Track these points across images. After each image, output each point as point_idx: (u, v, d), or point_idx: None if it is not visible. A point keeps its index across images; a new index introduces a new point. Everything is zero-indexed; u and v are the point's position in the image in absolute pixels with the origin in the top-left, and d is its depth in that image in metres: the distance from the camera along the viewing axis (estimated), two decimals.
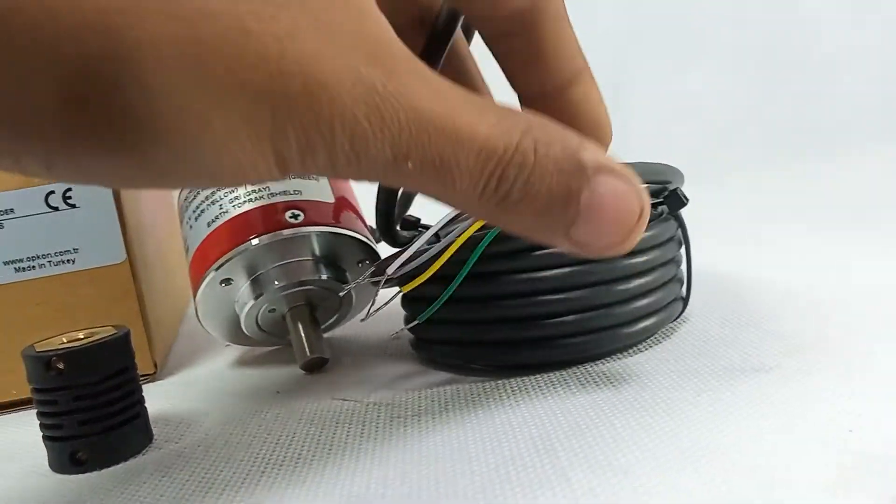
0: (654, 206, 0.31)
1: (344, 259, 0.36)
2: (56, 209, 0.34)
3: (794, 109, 0.65)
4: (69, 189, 0.34)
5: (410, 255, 0.28)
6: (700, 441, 0.23)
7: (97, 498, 0.25)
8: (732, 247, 0.44)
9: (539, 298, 0.29)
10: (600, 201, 0.20)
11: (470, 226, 0.28)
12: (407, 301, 0.33)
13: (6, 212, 0.34)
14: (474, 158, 0.19)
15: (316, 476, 0.24)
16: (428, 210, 0.38)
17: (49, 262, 0.35)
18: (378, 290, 0.29)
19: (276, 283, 0.34)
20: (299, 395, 0.32)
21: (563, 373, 0.29)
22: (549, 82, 0.26)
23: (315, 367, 0.35)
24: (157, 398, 0.33)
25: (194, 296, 0.35)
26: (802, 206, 0.54)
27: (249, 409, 0.31)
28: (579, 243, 0.21)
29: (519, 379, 0.29)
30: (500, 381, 0.30)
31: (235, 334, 0.37)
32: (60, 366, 0.27)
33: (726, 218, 0.46)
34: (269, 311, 0.35)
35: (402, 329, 0.30)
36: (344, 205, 0.37)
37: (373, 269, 0.30)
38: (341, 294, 0.32)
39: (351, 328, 0.40)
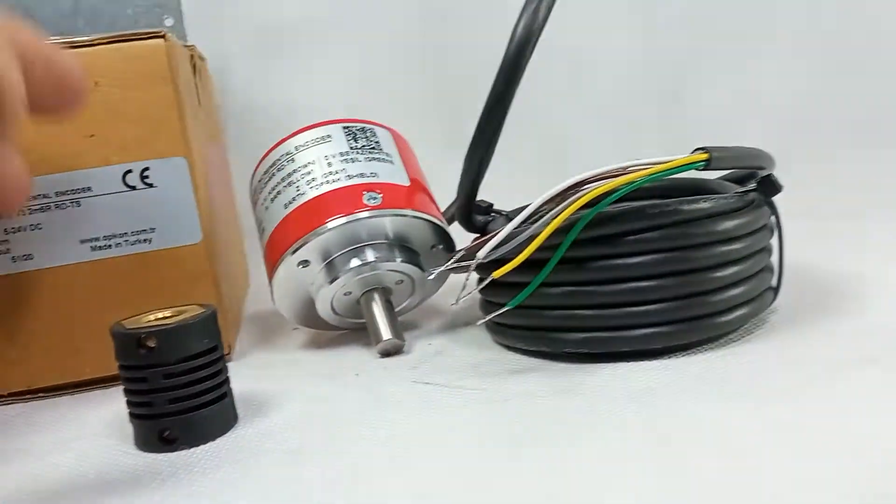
0: (746, 192, 0.31)
1: (416, 242, 0.36)
2: (133, 188, 0.34)
3: (865, 100, 0.63)
4: (147, 168, 0.34)
5: (502, 240, 0.28)
6: (825, 433, 0.22)
7: (192, 476, 0.25)
8: (807, 237, 0.43)
9: (632, 285, 0.28)
10: None
11: (563, 210, 0.27)
12: (488, 286, 0.32)
13: (83, 190, 0.34)
14: None
15: (411, 461, 0.24)
16: (497, 195, 0.38)
17: (125, 241, 0.35)
18: (469, 275, 0.28)
19: (352, 266, 0.34)
20: (379, 378, 0.32)
21: (656, 362, 0.29)
22: None
23: (391, 351, 0.34)
24: (234, 380, 0.33)
25: (270, 277, 0.35)
26: (871, 199, 0.53)
27: (330, 392, 0.31)
28: None
29: (609, 366, 0.29)
30: (588, 369, 0.29)
31: (307, 317, 0.37)
32: (151, 343, 0.26)
33: (795, 210, 0.45)
34: (345, 295, 0.35)
35: (491, 315, 0.30)
36: (418, 187, 0.36)
37: (462, 252, 0.29)
38: (430, 278, 0.31)
39: (421, 312, 0.40)
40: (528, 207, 0.28)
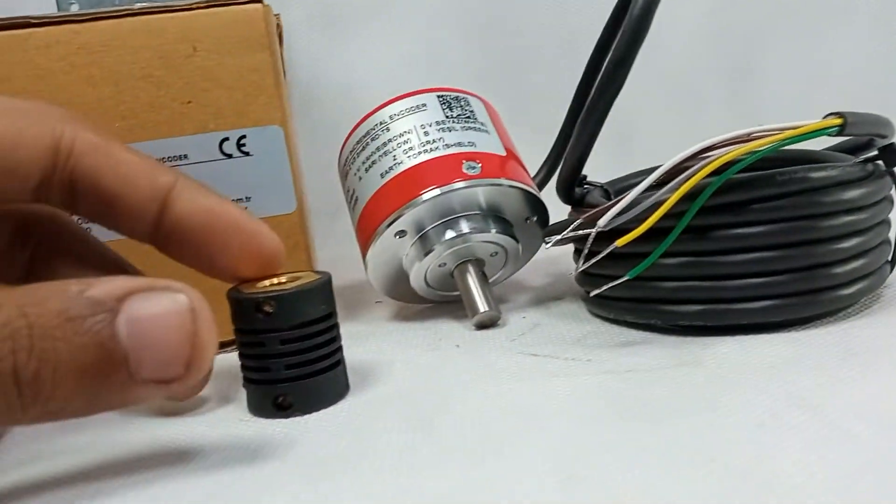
0: (867, 161, 0.30)
1: (510, 213, 0.35)
2: (230, 156, 0.34)
3: None
4: (243, 136, 0.34)
5: (624, 207, 0.27)
6: None
7: (310, 443, 0.24)
8: None
9: (755, 255, 0.27)
10: (149, 320, 0.19)
11: (692, 176, 0.26)
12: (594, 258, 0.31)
13: (180, 157, 0.34)
14: None
15: (547, 432, 0.23)
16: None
17: None
18: (590, 243, 0.28)
19: (448, 237, 0.34)
20: (483, 349, 0.31)
21: (775, 335, 0.28)
22: (141, 225, 0.24)
23: (488, 323, 0.34)
24: None
25: (365, 249, 0.35)
26: None
27: (436, 362, 0.30)
28: (161, 384, 0.19)
29: (726, 339, 0.28)
30: (704, 342, 0.28)
31: (396, 289, 0.37)
32: (269, 308, 0.26)
33: None
34: (439, 266, 0.35)
35: (608, 286, 0.29)
36: (513, 158, 0.36)
37: (580, 221, 0.28)
38: (547, 247, 0.31)
39: (507, 286, 0.39)
40: (654, 173, 0.27)
